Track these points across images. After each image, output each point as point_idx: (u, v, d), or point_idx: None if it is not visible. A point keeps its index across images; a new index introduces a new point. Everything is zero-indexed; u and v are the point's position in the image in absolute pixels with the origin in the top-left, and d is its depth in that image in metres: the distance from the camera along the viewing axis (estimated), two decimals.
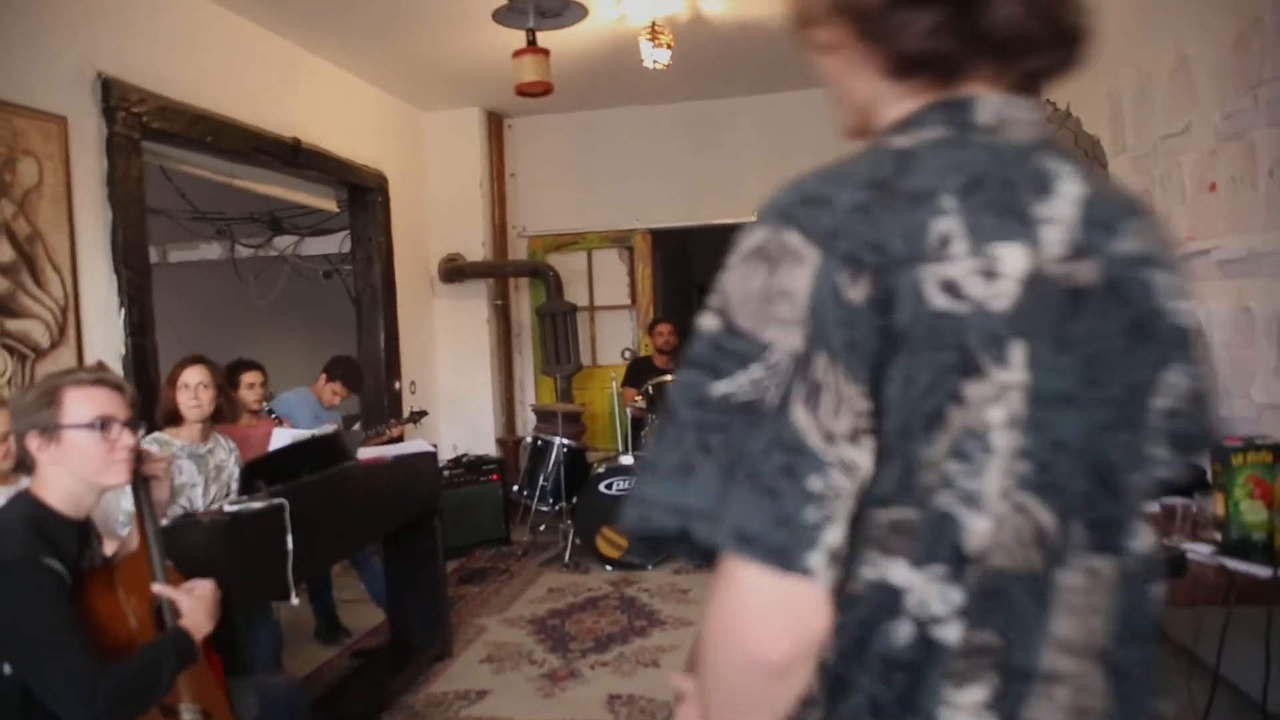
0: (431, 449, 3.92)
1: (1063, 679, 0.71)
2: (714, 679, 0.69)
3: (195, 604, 1.90)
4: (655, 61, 4.56)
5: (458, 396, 6.50)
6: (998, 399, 0.66)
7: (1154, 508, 2.11)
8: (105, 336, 3.40)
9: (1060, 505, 0.70)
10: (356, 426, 4.99)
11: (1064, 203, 0.71)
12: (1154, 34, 3.40)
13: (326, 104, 5.10)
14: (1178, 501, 2.04)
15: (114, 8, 3.54)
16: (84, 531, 1.86)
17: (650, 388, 5.28)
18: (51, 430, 1.76)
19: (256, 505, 2.58)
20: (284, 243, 6.24)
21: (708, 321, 0.68)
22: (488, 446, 6.38)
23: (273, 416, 4.22)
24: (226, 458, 3.22)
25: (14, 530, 1.68)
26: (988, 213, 0.68)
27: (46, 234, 3.15)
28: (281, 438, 3.40)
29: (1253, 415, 2.71)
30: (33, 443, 1.76)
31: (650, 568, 5.07)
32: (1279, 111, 2.58)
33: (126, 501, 2.76)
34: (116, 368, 3.39)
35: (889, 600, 0.68)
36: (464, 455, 5.87)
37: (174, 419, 3.08)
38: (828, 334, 0.64)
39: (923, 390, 0.65)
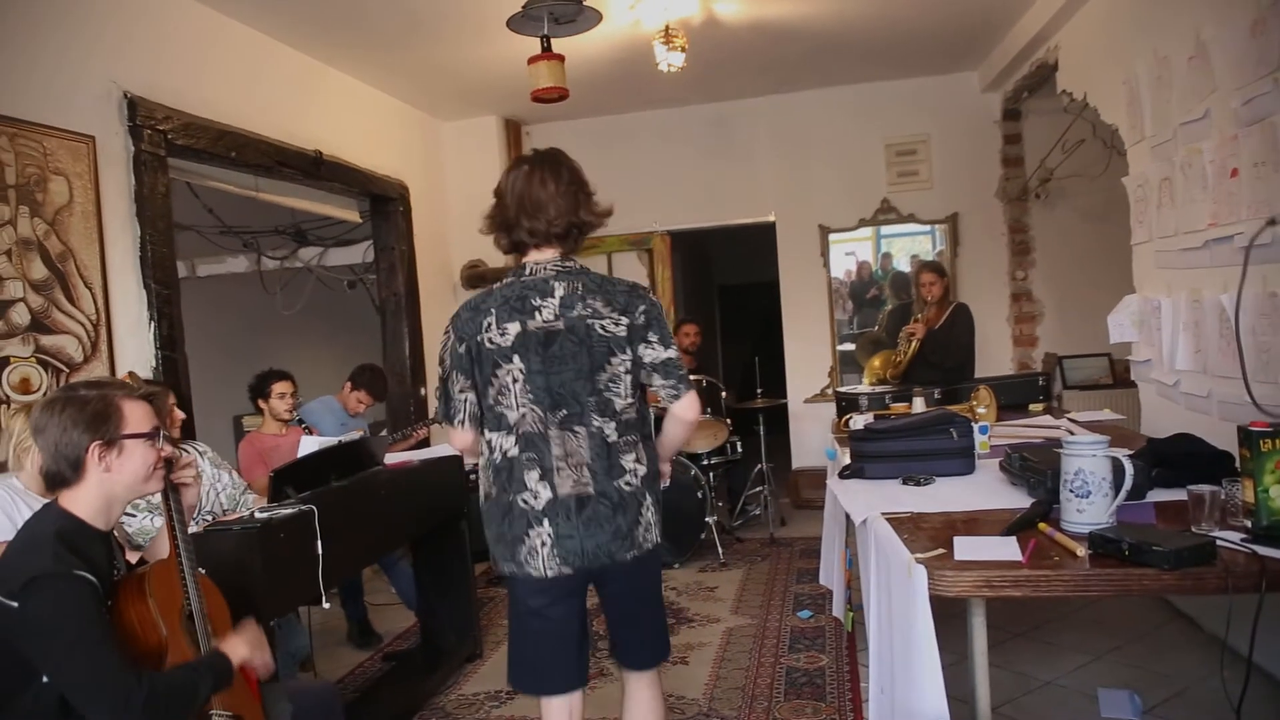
0: (457, 453, 3.96)
1: (563, 470, 2.02)
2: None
3: (238, 637, 1.96)
4: (670, 65, 4.58)
5: None
6: (509, 373, 2.03)
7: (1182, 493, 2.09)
8: (136, 350, 3.47)
9: (544, 409, 2.03)
10: (384, 433, 5.03)
11: (554, 299, 2.03)
12: (1171, 20, 3.37)
13: (347, 116, 5.17)
14: (1206, 489, 2.01)
15: (138, 28, 3.61)
16: (110, 542, 1.90)
17: None
18: (116, 441, 1.81)
19: (286, 511, 2.62)
20: (309, 254, 6.33)
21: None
22: None
23: (303, 425, 4.28)
24: (198, 460, 3.27)
25: (43, 543, 1.71)
26: (506, 311, 2.03)
27: (78, 251, 3.22)
28: (308, 445, 3.45)
29: None
30: (94, 453, 1.79)
31: (677, 566, 5.08)
32: None
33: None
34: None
35: (496, 446, 2.07)
36: None
37: None
38: (455, 362, 2.07)
39: (483, 374, 2.05)
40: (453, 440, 2.17)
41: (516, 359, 2.02)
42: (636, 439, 2.11)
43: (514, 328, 2.02)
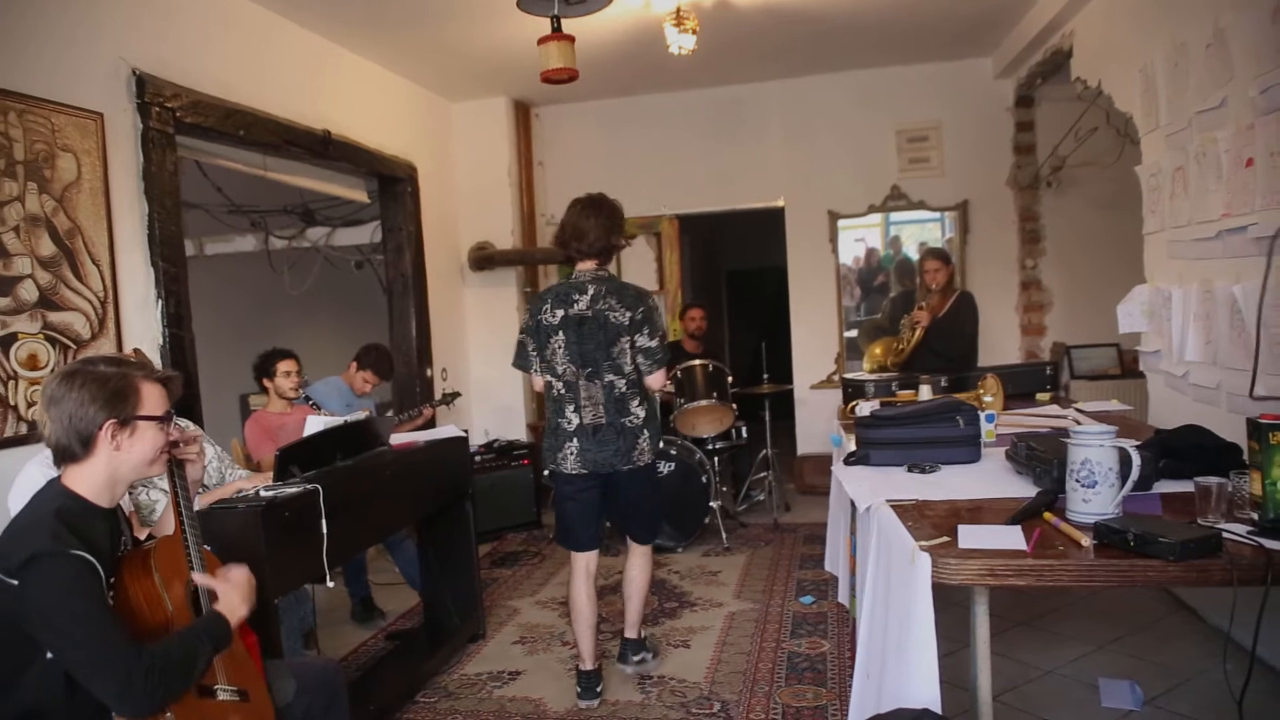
0: (463, 434, 3.97)
1: (586, 407, 3.17)
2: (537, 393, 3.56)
3: (231, 589, 1.95)
4: (680, 47, 4.54)
5: (489, 382, 6.56)
6: (556, 341, 3.17)
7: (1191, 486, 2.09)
8: (144, 327, 3.48)
9: (577, 367, 3.17)
10: (390, 413, 5.05)
11: (586, 296, 3.17)
12: (1188, 7, 3.33)
13: (356, 96, 5.15)
14: (1213, 481, 2.00)
15: (148, 5, 3.60)
16: (115, 518, 1.90)
17: (679, 372, 5.28)
18: (130, 421, 1.81)
19: (291, 490, 2.63)
20: (317, 234, 6.32)
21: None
22: (519, 432, 6.43)
23: (310, 403, 4.29)
24: (202, 437, 3.29)
25: (43, 522, 1.71)
26: (556, 301, 3.19)
27: (86, 228, 3.22)
28: (314, 424, 3.45)
29: None
30: (107, 431, 1.79)
31: (680, 550, 5.09)
32: None
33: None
34: (154, 358, 3.46)
35: (553, 386, 3.24)
36: (495, 440, 5.92)
37: None
38: (528, 331, 3.26)
39: (540, 340, 3.23)
40: (533, 382, 3.32)
41: (560, 333, 3.17)
42: (640, 392, 3.23)
43: (560, 312, 3.17)
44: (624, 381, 3.16)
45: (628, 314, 3.12)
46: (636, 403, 3.19)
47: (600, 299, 3.14)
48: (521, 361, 3.29)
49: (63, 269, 3.13)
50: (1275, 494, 1.87)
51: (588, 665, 3.28)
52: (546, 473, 3.34)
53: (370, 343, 4.78)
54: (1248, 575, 1.73)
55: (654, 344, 3.16)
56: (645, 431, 3.22)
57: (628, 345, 3.14)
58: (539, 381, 3.27)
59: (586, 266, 3.20)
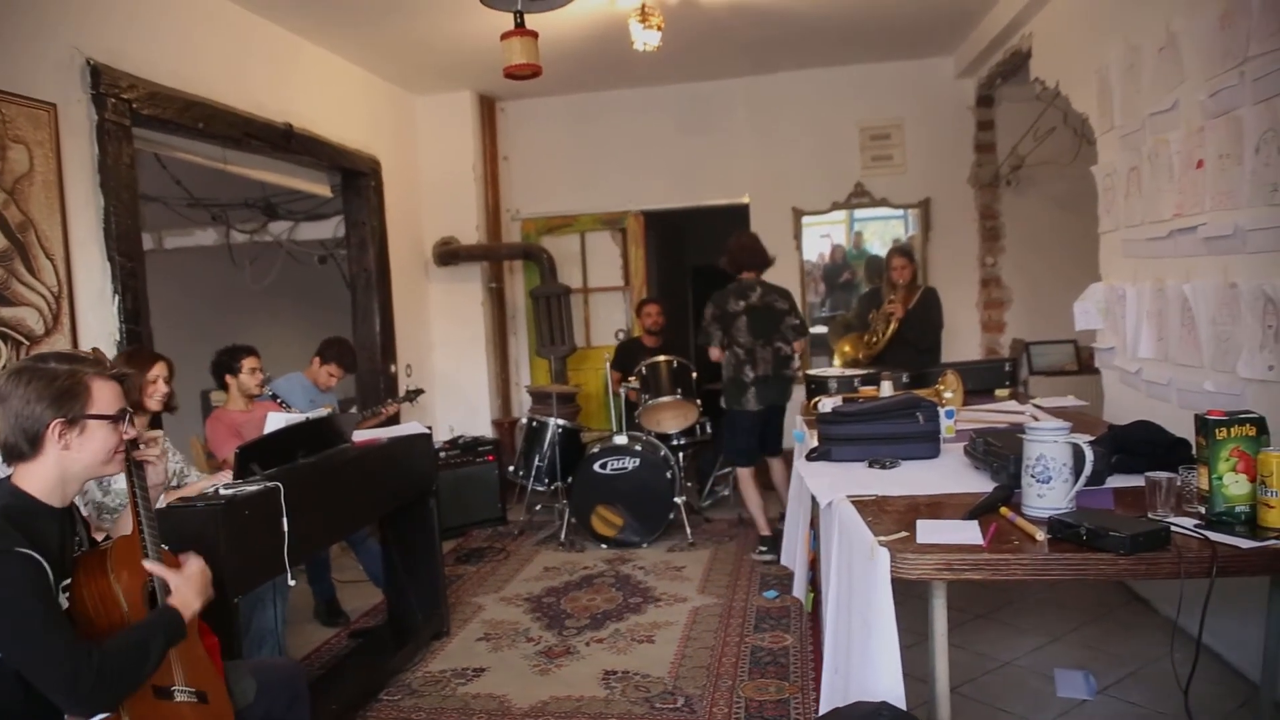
0: (427, 431, 3.94)
1: (761, 364, 4.70)
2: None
3: (184, 581, 1.91)
4: (645, 44, 4.55)
5: (453, 379, 6.52)
6: (741, 320, 4.69)
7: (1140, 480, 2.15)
8: (99, 323, 3.42)
9: (755, 337, 4.70)
10: (353, 410, 5.00)
11: (756, 292, 4.74)
12: (1142, 11, 3.40)
13: (318, 89, 5.09)
14: (1162, 476, 2.05)
15: None
16: (68, 518, 1.87)
17: (644, 368, 5.29)
18: (80, 420, 1.78)
19: (251, 488, 2.60)
20: (279, 228, 6.25)
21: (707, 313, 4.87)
22: (484, 428, 6.41)
23: (277, 400, 4.23)
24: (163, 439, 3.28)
25: None
26: (737, 296, 4.74)
27: (39, 221, 3.15)
28: (275, 421, 3.41)
29: (1237, 390, 2.74)
30: (54, 430, 1.76)
31: (645, 545, 5.11)
32: (1266, 88, 2.59)
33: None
34: (111, 355, 3.40)
35: (736, 352, 4.71)
36: (460, 436, 5.89)
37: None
38: (715, 318, 4.77)
39: (726, 321, 4.72)
40: (711, 353, 4.74)
41: (744, 318, 4.64)
42: (793, 353, 4.74)
43: (741, 303, 4.66)
44: (787, 346, 4.68)
45: (784, 303, 4.70)
46: (791, 361, 4.72)
47: (766, 295, 4.68)
48: (709, 339, 4.66)
49: (14, 263, 3.06)
50: (1221, 489, 1.92)
51: (765, 533, 4.82)
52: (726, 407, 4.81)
53: (331, 335, 4.72)
54: (1194, 568, 1.78)
55: (799, 321, 4.75)
56: (792, 380, 4.79)
57: (786, 324, 4.68)
58: (717, 352, 4.69)
59: (750, 276, 4.69)
